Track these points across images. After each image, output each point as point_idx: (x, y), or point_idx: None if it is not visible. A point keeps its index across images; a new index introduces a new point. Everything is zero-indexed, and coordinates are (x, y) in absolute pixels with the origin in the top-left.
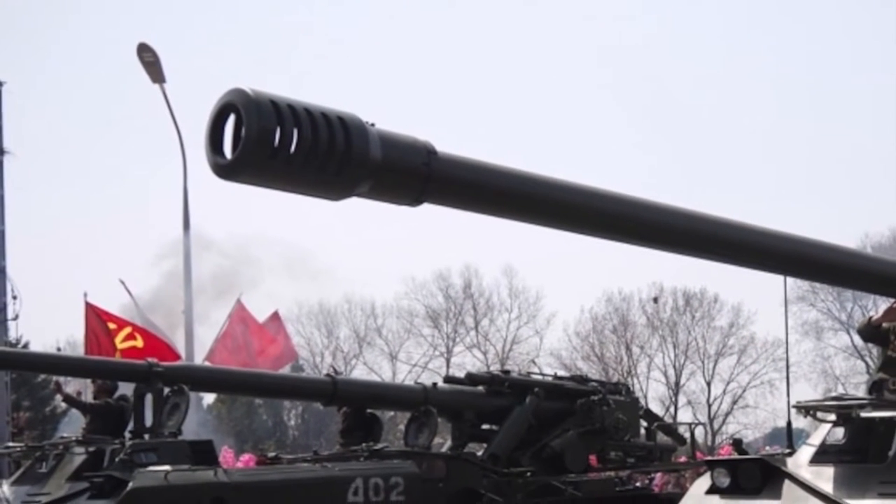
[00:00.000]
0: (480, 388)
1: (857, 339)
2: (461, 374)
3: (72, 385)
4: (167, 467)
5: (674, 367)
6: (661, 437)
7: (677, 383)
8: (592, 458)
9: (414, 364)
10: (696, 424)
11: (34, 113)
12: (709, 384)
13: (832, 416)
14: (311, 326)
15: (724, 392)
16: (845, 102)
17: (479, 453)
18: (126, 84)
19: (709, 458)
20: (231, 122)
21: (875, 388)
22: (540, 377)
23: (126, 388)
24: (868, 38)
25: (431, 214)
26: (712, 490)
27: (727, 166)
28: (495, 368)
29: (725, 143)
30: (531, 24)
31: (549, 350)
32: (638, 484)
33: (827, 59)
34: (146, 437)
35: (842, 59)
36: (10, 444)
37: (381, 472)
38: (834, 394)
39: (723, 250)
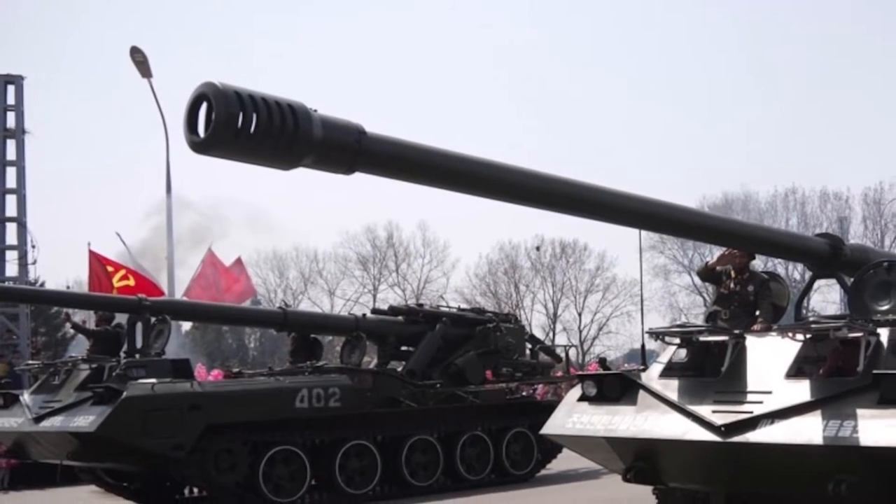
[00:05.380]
0: (400, 318)
1: (697, 280)
2: (385, 307)
3: (78, 315)
4: (154, 380)
5: (552, 301)
6: (543, 357)
7: (555, 314)
8: (488, 373)
9: (348, 299)
10: (570, 346)
11: (49, 101)
12: (580, 315)
13: (677, 340)
14: (267, 269)
15: (592, 321)
16: (688, 91)
17: (399, 369)
18: (121, 78)
19: (580, 373)
20: (204, 108)
21: (711, 318)
22: (447, 309)
23: (121, 318)
24: (705, 39)
25: (362, 181)
26: (583, 398)
27: (594, 143)
28: (412, 302)
29: (593, 125)
30: (442, 30)
31: (454, 288)
32: (524, 393)
33: (671, 56)
34: (137, 356)
35: (684, 57)
36: (30, 362)
37: (322, 384)
38: (678, 322)
39: (591, 210)
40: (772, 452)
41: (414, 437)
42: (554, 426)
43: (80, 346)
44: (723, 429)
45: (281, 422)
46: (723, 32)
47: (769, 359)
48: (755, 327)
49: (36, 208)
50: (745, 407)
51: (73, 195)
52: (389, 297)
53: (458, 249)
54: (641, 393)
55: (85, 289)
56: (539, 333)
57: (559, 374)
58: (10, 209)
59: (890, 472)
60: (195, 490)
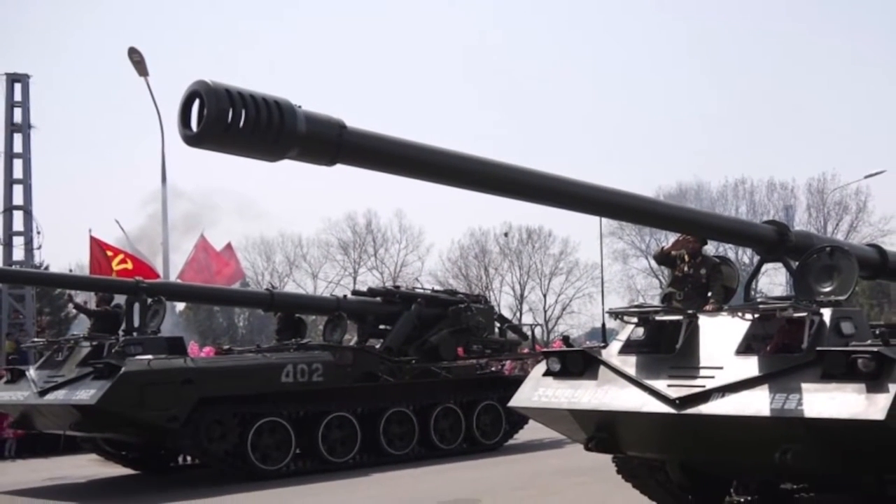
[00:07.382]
0: (378, 298)
1: (653, 263)
2: (364, 289)
3: (80, 296)
4: (150, 356)
5: (519, 283)
6: (510, 335)
7: (522, 295)
8: (460, 350)
9: (330, 281)
10: (536, 325)
11: (53, 97)
12: (545, 296)
13: (635, 319)
14: (255, 254)
15: (556, 301)
16: (645, 88)
17: (378, 346)
18: (120, 77)
19: (545, 350)
20: (196, 105)
21: (666, 299)
22: (422, 291)
23: (120, 299)
24: (661, 40)
25: (343, 172)
26: (547, 373)
27: (558, 136)
28: (389, 285)
29: (556, 119)
30: (416, 32)
31: (428, 271)
32: (493, 369)
33: (629, 55)
34: (134, 334)
35: (641, 56)
36: (35, 339)
37: (306, 360)
38: (636, 303)
39: (555, 198)
40: (723, 423)
41: (391, 409)
42: (521, 399)
43: (81, 325)
44: (677, 401)
45: (268, 395)
46: (677, 34)
47: (720, 337)
48: (707, 307)
49: (41, 197)
50: (698, 381)
51: (75, 185)
52: (368, 280)
53: (432, 235)
54: (602, 368)
55: (86, 272)
56: (507, 313)
57: (525, 350)
58: (17, 198)
59: (831, 441)
60: (188, 458)
